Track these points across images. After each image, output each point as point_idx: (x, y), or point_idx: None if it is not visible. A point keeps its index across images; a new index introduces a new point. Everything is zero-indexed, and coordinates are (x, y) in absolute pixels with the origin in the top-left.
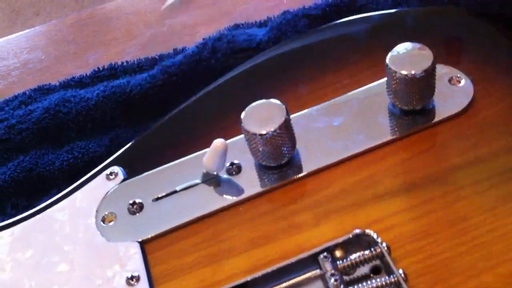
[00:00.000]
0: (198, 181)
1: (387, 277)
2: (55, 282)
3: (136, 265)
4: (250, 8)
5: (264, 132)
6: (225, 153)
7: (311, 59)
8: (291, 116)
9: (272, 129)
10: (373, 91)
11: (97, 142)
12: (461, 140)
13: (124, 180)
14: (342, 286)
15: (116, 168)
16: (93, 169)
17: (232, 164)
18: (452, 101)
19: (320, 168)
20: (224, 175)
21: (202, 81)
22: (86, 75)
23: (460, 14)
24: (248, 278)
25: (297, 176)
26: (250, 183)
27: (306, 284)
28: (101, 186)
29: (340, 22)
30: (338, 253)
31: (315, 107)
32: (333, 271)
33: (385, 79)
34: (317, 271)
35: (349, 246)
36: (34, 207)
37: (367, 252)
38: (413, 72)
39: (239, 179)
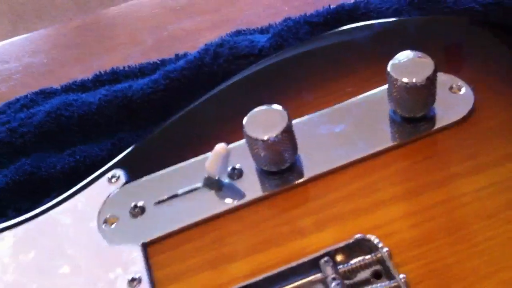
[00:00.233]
0: (199, 185)
1: (388, 282)
2: (57, 284)
3: (138, 268)
4: (253, 15)
5: (266, 137)
6: (227, 157)
7: (313, 65)
8: (293, 121)
9: (274, 135)
10: (374, 98)
11: (99, 146)
12: (462, 148)
13: (126, 183)
14: None
15: (118, 171)
16: (94, 173)
17: (233, 168)
18: (453, 109)
19: (321, 173)
20: (226, 180)
21: (204, 86)
22: (88, 79)
23: (462, 23)
24: (250, 281)
25: (299, 181)
26: (252, 187)
27: None
28: (103, 189)
29: (342, 30)
30: (339, 258)
31: (317, 113)
32: (334, 275)
33: (386, 86)
34: (319, 275)
35: (350, 250)
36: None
37: (368, 256)
38: (414, 80)
39: (240, 184)
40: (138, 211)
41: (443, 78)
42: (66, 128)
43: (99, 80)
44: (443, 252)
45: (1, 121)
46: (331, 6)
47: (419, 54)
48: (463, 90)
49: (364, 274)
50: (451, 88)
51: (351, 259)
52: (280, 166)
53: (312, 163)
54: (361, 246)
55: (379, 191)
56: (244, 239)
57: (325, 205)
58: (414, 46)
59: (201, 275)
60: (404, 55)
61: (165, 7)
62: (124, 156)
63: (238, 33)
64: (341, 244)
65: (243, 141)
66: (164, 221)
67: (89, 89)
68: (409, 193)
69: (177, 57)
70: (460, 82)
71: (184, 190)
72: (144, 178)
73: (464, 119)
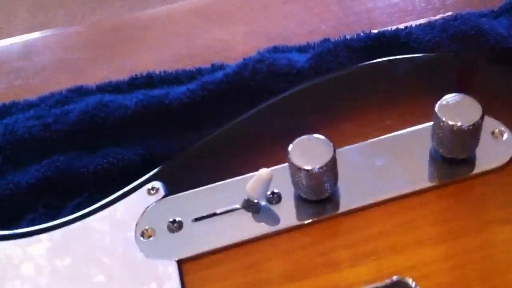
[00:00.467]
0: (238, 206)
1: None
2: None
3: (173, 285)
4: (288, 30)
5: (310, 167)
6: (269, 183)
7: (356, 94)
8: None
9: (318, 166)
10: (416, 134)
11: (132, 150)
12: (501, 194)
13: (165, 196)
14: None
15: (157, 184)
16: (126, 177)
17: (273, 193)
18: (494, 154)
19: (359, 207)
20: (264, 203)
21: (241, 101)
22: (123, 80)
23: (507, 65)
24: None
25: (336, 212)
26: (289, 214)
27: None
28: (141, 200)
29: (387, 60)
30: None
31: (358, 144)
32: None
33: (430, 123)
34: None
35: None
36: (66, 208)
37: None
38: (460, 123)
39: (278, 209)
40: (176, 226)
41: (486, 121)
42: (100, 129)
43: (135, 84)
44: None
45: (35, 115)
46: (372, 31)
47: (468, 97)
48: (505, 136)
49: None
50: (493, 133)
51: None
52: (320, 196)
53: (351, 195)
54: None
55: (416, 230)
56: (278, 266)
57: (362, 240)
58: (459, 84)
59: None
60: (453, 97)
61: (198, 14)
62: (164, 168)
63: (276, 49)
64: (378, 285)
65: (284, 165)
66: (201, 239)
67: (124, 91)
68: (447, 236)
69: (214, 67)
70: (502, 128)
71: (223, 210)
72: (183, 193)
73: (505, 166)
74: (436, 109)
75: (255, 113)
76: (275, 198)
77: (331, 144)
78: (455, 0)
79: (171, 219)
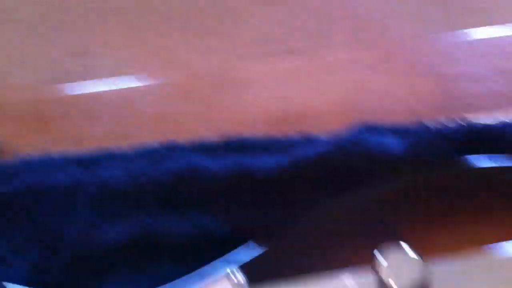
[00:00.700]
0: None
1: None
2: None
3: None
4: (382, 107)
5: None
6: None
7: (453, 202)
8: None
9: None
10: None
11: (216, 219)
12: None
13: None
14: None
15: (239, 276)
16: (211, 247)
17: None
18: None
19: None
20: None
21: (330, 183)
22: (215, 142)
23: None
24: None
25: None
26: None
27: None
28: None
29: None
30: None
31: (450, 261)
32: None
33: None
34: None
35: None
36: (151, 274)
37: None
38: None
39: None
40: None
41: None
42: (187, 193)
43: (226, 147)
44: None
45: (127, 169)
46: (475, 123)
47: None
48: None
49: None
50: None
51: None
52: None
53: None
54: None
55: None
56: None
57: None
58: None
59: None
60: None
61: (296, 74)
62: (252, 261)
63: (370, 128)
64: None
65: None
66: None
67: (215, 152)
68: None
69: (305, 139)
70: None
71: None
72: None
73: None
74: None
75: (347, 204)
76: None
77: (426, 266)
78: None
79: None
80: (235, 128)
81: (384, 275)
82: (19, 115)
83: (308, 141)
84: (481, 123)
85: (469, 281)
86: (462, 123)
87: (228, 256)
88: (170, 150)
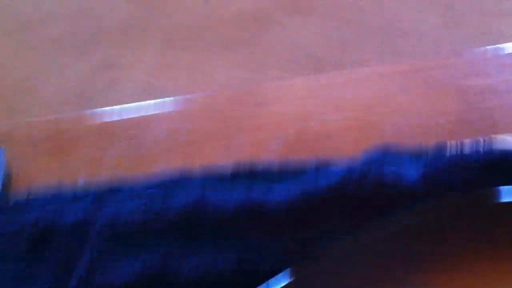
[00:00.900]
0: None
1: None
2: None
3: None
4: (403, 126)
5: None
6: None
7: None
8: None
9: None
10: None
11: (224, 254)
12: None
13: None
14: None
15: None
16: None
17: None
18: None
19: None
20: None
21: (343, 213)
22: (227, 169)
23: None
24: None
25: None
26: None
27: None
28: None
29: None
30: None
31: None
32: None
33: None
34: None
35: None
36: None
37: None
38: None
39: None
40: None
41: None
42: (196, 227)
43: (237, 175)
44: None
45: (131, 200)
46: (494, 149)
47: None
48: None
49: None
50: None
51: None
52: None
53: None
54: None
55: None
56: None
57: None
58: None
59: None
60: None
61: (313, 96)
62: None
63: (386, 153)
64: None
65: None
66: None
67: (227, 180)
68: None
69: (318, 167)
70: None
71: None
72: None
73: None
74: None
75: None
76: None
77: None
78: None
79: None
80: (249, 150)
81: None
82: (36, 139)
83: (321, 169)
84: (502, 153)
85: None
86: (483, 148)
87: None
88: (181, 179)
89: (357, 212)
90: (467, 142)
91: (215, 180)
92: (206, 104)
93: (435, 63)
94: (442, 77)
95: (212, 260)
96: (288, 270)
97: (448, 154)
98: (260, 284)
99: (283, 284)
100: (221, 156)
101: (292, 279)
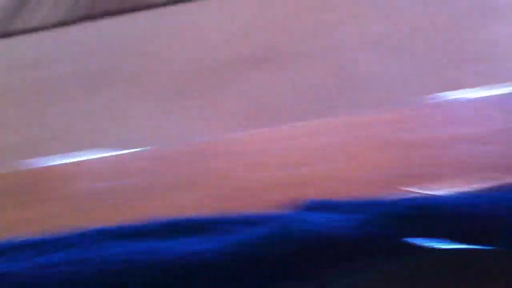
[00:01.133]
0: None
1: None
2: None
3: None
4: (336, 180)
5: None
6: None
7: None
8: None
9: None
10: None
11: None
12: None
13: None
14: None
15: None
16: None
17: None
18: None
19: None
20: None
21: (265, 268)
22: (161, 224)
23: None
24: None
25: None
26: None
27: None
28: None
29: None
30: None
31: None
32: None
33: None
34: None
35: None
36: None
37: None
38: None
39: None
40: None
41: None
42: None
43: (171, 229)
44: None
45: (64, 254)
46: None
47: None
48: None
49: None
50: None
51: None
52: None
53: None
54: None
55: None
56: None
57: None
58: None
59: None
60: None
61: (262, 149)
62: None
63: (316, 206)
64: None
65: None
66: None
67: (156, 235)
68: None
69: (243, 219)
70: None
71: None
72: None
73: None
74: None
75: None
76: None
77: None
78: None
79: None
80: (189, 205)
81: None
82: None
83: (248, 221)
84: (436, 201)
85: None
86: (415, 198)
87: None
88: (104, 235)
89: (281, 265)
90: (398, 194)
91: (139, 232)
92: (171, 157)
93: (379, 117)
94: (384, 132)
95: None
96: None
97: (382, 203)
98: None
99: None
100: (159, 210)
101: None
